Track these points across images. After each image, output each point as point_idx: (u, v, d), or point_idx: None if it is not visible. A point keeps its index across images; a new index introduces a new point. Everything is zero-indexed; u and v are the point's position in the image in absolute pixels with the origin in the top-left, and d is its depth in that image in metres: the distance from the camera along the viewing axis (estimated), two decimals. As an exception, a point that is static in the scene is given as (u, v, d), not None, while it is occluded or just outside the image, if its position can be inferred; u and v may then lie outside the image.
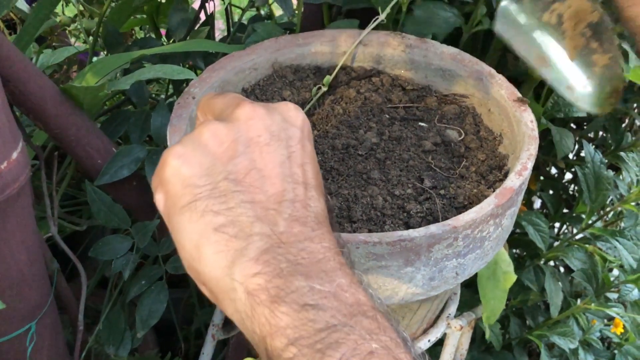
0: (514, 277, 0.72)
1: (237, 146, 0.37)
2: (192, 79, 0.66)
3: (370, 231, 0.55)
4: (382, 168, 0.62)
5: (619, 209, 1.14)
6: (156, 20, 0.98)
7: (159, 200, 0.38)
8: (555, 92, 0.88)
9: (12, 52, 0.53)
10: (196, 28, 0.93)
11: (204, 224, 0.36)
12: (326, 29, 0.78)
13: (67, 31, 1.23)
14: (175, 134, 0.60)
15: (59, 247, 0.73)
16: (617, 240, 0.96)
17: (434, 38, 0.76)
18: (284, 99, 0.70)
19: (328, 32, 0.75)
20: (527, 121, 0.62)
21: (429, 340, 0.70)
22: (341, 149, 0.63)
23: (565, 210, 1.18)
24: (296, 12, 0.81)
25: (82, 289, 0.66)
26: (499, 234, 0.57)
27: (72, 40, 1.30)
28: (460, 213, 0.54)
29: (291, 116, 0.40)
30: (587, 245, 1.03)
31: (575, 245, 1.06)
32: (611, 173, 0.96)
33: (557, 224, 1.25)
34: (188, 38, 0.83)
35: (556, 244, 1.12)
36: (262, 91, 0.71)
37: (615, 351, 1.13)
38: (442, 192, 0.59)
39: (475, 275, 0.64)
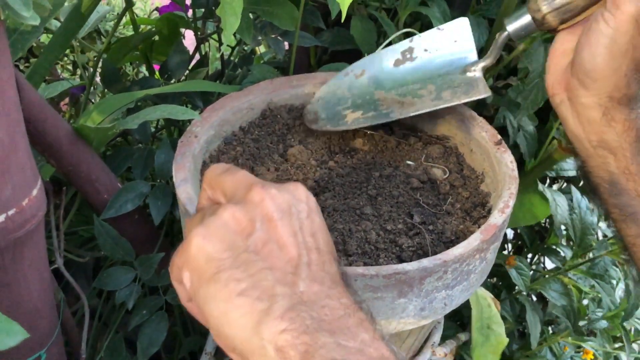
0: (505, 341, 0.76)
1: (254, 224, 0.41)
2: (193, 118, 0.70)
3: (365, 264, 0.59)
4: (374, 204, 0.66)
5: (589, 237, 1.20)
6: (150, 57, 1.02)
7: (186, 277, 0.41)
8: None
9: (31, 94, 0.56)
10: (190, 67, 0.97)
11: (229, 291, 0.38)
12: (318, 71, 0.82)
13: (59, 64, 1.26)
14: (179, 170, 0.64)
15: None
16: (597, 283, 1.01)
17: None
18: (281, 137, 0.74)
19: (320, 75, 0.80)
20: (507, 162, 0.67)
21: (415, 367, 0.74)
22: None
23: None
24: (290, 56, 0.85)
25: (85, 319, 0.69)
26: (484, 267, 0.62)
27: (59, 72, 1.33)
28: (448, 247, 0.58)
29: (298, 194, 0.44)
30: (562, 277, 1.08)
31: (547, 276, 1.11)
32: (595, 218, 1.02)
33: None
34: (184, 77, 0.87)
35: (530, 273, 1.17)
36: (258, 129, 0.75)
37: (585, 378, 1.18)
38: (430, 227, 0.63)
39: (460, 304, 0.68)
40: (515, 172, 0.66)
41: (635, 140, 0.58)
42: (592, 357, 1.16)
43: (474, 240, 0.58)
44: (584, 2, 0.59)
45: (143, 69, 1.28)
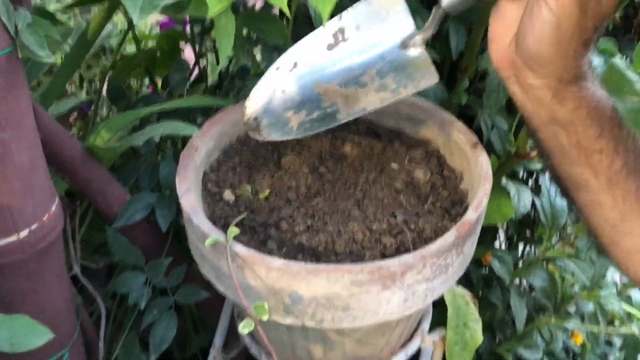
0: (480, 339, 0.80)
1: None
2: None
3: (352, 262, 0.65)
4: (360, 206, 0.72)
5: (561, 220, 1.25)
6: (152, 71, 1.08)
7: None
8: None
9: (47, 120, 0.63)
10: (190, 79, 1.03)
11: None
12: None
13: (66, 81, 1.32)
14: (182, 182, 0.70)
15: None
16: (572, 262, 1.07)
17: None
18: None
19: (310, 86, 0.85)
20: (482, 163, 0.73)
21: (406, 354, 0.80)
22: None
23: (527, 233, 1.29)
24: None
25: (101, 320, 0.75)
26: (461, 260, 0.67)
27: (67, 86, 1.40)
28: (428, 244, 0.64)
29: None
30: (547, 264, 1.14)
31: (531, 263, 1.17)
32: (565, 202, 1.07)
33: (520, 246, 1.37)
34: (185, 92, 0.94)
35: (520, 263, 1.23)
36: (254, 140, 0.81)
37: (578, 360, 1.24)
38: (412, 226, 0.69)
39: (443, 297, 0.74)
40: (490, 173, 0.72)
41: (586, 116, 0.57)
42: (582, 342, 1.21)
43: (450, 236, 0.64)
44: None
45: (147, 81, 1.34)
